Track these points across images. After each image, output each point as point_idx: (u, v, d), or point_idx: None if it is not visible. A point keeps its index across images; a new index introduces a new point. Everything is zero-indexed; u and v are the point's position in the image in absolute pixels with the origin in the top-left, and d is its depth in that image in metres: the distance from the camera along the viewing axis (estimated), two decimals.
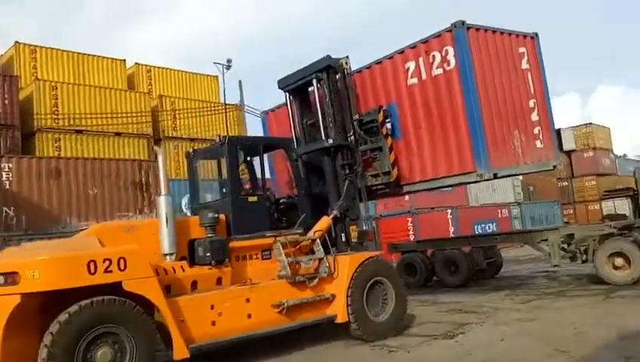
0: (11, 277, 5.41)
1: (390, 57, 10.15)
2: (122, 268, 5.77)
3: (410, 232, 20.10)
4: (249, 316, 6.85)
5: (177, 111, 24.30)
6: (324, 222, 8.20)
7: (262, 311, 6.97)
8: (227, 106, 26.75)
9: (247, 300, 6.89)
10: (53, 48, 22.68)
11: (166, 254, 6.67)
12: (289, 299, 7.17)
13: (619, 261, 10.78)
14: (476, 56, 9.30)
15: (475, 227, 22.88)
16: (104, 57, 24.20)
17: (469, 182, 10.15)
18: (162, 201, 6.72)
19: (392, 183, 9.69)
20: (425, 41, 9.63)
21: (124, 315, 5.69)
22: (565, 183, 33.94)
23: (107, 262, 5.69)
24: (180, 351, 6.00)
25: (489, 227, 24.07)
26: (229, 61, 29.20)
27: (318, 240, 7.85)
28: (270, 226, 7.84)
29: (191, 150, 9.05)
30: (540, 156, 10.21)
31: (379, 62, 10.28)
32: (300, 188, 8.58)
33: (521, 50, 10.19)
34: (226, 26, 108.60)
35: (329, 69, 8.95)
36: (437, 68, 9.43)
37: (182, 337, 6.05)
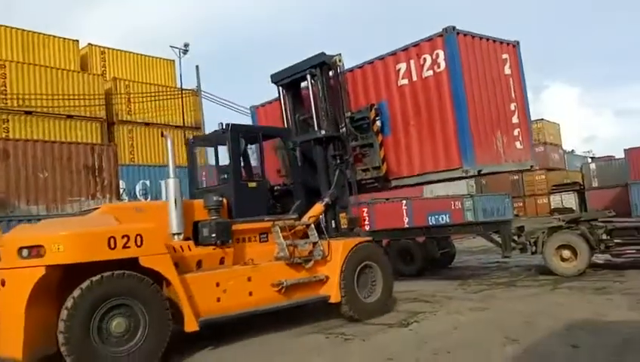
0: (37, 250, 5.71)
1: (382, 58, 10.72)
2: (139, 244, 6.14)
3: (366, 222, 20.28)
4: (250, 294, 7.30)
5: (132, 95, 23.70)
6: (317, 208, 8.69)
7: (262, 289, 7.43)
8: (184, 91, 26.26)
9: (249, 279, 7.33)
10: (1, 25, 21.71)
11: (174, 234, 7.00)
12: (287, 278, 7.63)
13: (566, 253, 11.19)
14: (465, 60, 9.83)
15: (429, 218, 23.33)
16: (56, 36, 23.38)
17: (455, 178, 10.66)
18: (171, 184, 7.13)
19: (382, 178, 10.30)
20: (416, 44, 10.22)
21: (139, 289, 6.05)
22: (516, 177, 34.88)
23: (125, 239, 6.05)
24: (191, 324, 6.44)
25: (442, 218, 24.58)
26: (186, 45, 28.70)
27: (312, 225, 8.31)
28: (267, 211, 8.24)
29: (191, 137, 9.67)
30: (519, 156, 10.85)
31: (370, 62, 10.84)
32: (295, 177, 8.93)
33: (504, 56, 10.76)
34: (183, 10, 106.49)
35: (323, 65, 9.38)
36: (427, 70, 10.03)
37: (192, 312, 6.45)
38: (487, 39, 10.53)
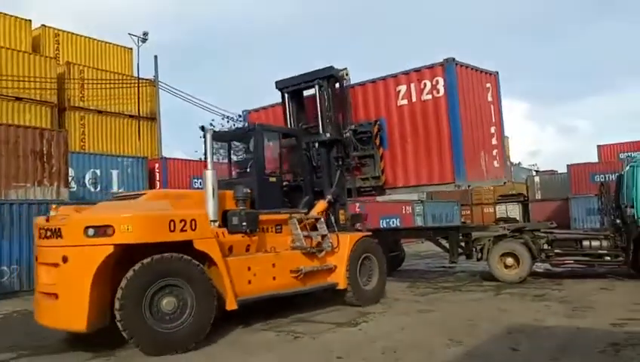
0: (105, 230, 6.19)
1: (383, 78, 11.88)
2: (193, 228, 6.78)
3: None
4: (274, 278, 8.10)
5: (86, 81, 23.00)
6: (322, 205, 9.54)
7: (283, 275, 8.26)
8: (140, 81, 25.71)
9: (273, 265, 8.14)
10: None
11: (211, 221, 7.44)
12: (304, 266, 8.49)
13: (509, 260, 11.66)
14: (460, 87, 11.02)
15: (381, 221, 23.69)
16: (7, 15, 22.39)
17: (447, 190, 11.89)
18: (209, 175, 7.62)
19: (379, 187, 11.35)
20: (417, 70, 11.41)
21: (188, 270, 6.61)
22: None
23: (183, 223, 6.69)
24: (231, 303, 7.18)
25: (393, 222, 25.03)
26: (144, 34, 28.10)
27: (322, 219, 9.24)
28: (281, 205, 9.02)
29: (211, 128, 9.87)
30: (496, 173, 12.10)
31: (372, 81, 11.96)
32: (306, 174, 9.80)
33: (488, 85, 12.05)
34: None
35: (330, 77, 10.36)
36: (427, 94, 11.20)
37: (232, 292, 7.17)
38: (476, 70, 11.73)
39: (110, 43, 26.61)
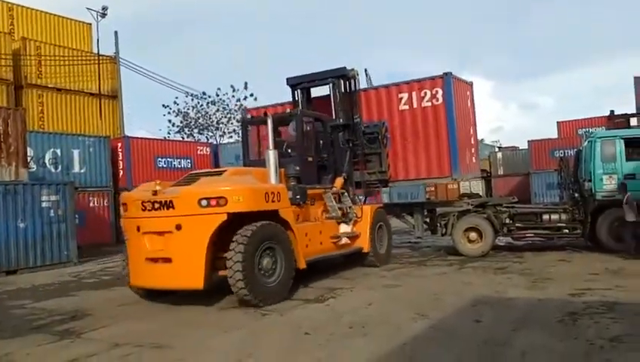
0: (218, 201, 7.22)
1: (386, 87, 14.03)
2: (279, 199, 8.04)
3: None
4: (321, 243, 9.50)
5: (43, 58, 22.23)
6: (340, 181, 10.83)
7: (326, 240, 9.71)
8: (100, 57, 25.01)
9: (320, 232, 9.55)
10: None
11: None
12: (340, 233, 10.05)
13: (473, 235, 11.94)
14: (455, 96, 13.05)
15: None
16: None
17: (443, 183, 13.42)
18: (272, 155, 8.49)
19: (385, 180, 12.63)
20: (419, 81, 13.50)
21: (279, 234, 7.90)
22: None
23: (272, 194, 7.93)
24: (302, 263, 8.38)
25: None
26: (104, 9, 27.31)
27: (346, 193, 10.74)
28: (316, 181, 10.27)
29: (248, 116, 12.50)
30: (473, 168, 14.37)
31: (375, 88, 14.33)
32: (330, 155, 10.97)
33: (467, 93, 14.23)
34: None
35: (342, 76, 11.67)
36: (427, 101, 13.24)
37: (302, 254, 8.40)
38: (462, 81, 13.95)
39: (68, 18, 25.72)
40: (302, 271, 8.48)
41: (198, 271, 7.18)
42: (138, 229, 7.74)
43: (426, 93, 13.19)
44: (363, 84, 15.97)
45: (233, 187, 7.52)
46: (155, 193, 7.56)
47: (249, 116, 12.85)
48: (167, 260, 7.39)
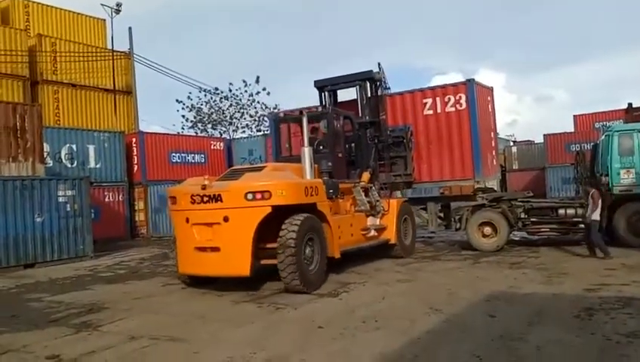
0: (262, 194, 7.71)
1: (411, 92, 14.37)
2: (317, 193, 8.59)
3: None
4: (352, 235, 9.95)
5: (58, 54, 22.43)
6: (367, 175, 11.14)
7: (357, 232, 10.20)
8: (115, 53, 25.16)
9: (351, 225, 9.99)
10: None
11: None
12: (369, 225, 10.58)
13: (487, 230, 11.87)
14: (477, 102, 13.47)
15: None
16: None
17: (465, 184, 13.67)
18: (307, 152, 8.94)
19: (409, 182, 13.31)
20: (442, 87, 14.14)
21: (318, 225, 8.47)
22: None
23: (311, 189, 8.45)
24: (337, 253, 8.92)
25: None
26: (118, 5, 27.38)
27: (374, 187, 11.10)
28: (346, 176, 10.60)
29: (281, 114, 13.17)
30: (494, 170, 14.88)
31: (400, 93, 14.42)
32: (358, 150, 11.42)
33: (488, 98, 14.65)
34: None
35: (368, 79, 12.09)
36: (451, 107, 13.72)
37: (337, 244, 8.92)
38: (484, 86, 14.33)
39: (82, 14, 25.93)
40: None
41: (245, 259, 7.73)
42: (187, 221, 8.27)
43: (449, 99, 13.69)
44: None
45: (276, 182, 7.99)
46: (204, 187, 8.05)
47: (281, 115, 13.41)
48: (216, 249, 7.95)
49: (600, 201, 10.31)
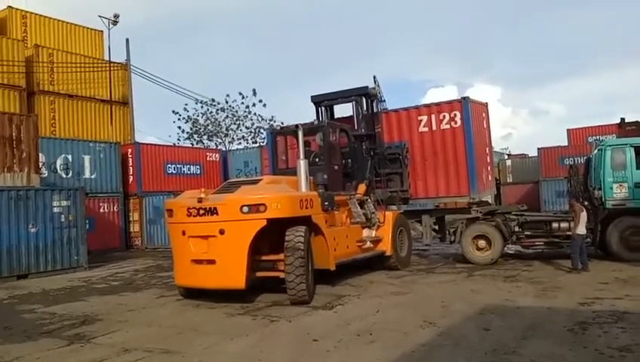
0: (258, 208, 7.73)
1: (406, 109, 14.45)
2: (312, 206, 8.53)
3: None
4: (347, 247, 9.92)
5: (55, 65, 22.49)
6: (363, 187, 11.31)
7: (352, 244, 10.20)
8: (112, 65, 25.24)
9: (347, 236, 10.00)
10: None
11: None
12: (364, 237, 10.58)
13: (481, 243, 11.89)
14: (472, 119, 13.52)
15: None
16: None
17: (461, 201, 13.61)
18: (302, 164, 8.94)
19: (405, 198, 13.44)
20: (437, 104, 14.16)
21: (309, 239, 8.33)
22: None
23: (306, 201, 8.40)
24: (332, 265, 8.92)
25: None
26: (115, 16, 27.49)
27: (369, 199, 11.21)
28: (341, 188, 10.72)
29: (278, 127, 13.15)
30: (489, 185, 14.82)
31: (396, 110, 14.53)
32: (353, 163, 11.54)
33: (483, 114, 14.61)
34: None
35: (364, 94, 12.33)
36: (445, 124, 13.74)
37: (333, 256, 8.93)
38: (478, 103, 14.34)
39: (80, 25, 26.04)
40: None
41: (240, 272, 7.77)
42: (183, 233, 8.31)
43: (444, 117, 13.76)
44: None
45: (272, 195, 8.02)
46: (200, 200, 8.08)
47: (278, 128, 13.65)
48: (211, 262, 7.97)
49: (583, 215, 10.41)
